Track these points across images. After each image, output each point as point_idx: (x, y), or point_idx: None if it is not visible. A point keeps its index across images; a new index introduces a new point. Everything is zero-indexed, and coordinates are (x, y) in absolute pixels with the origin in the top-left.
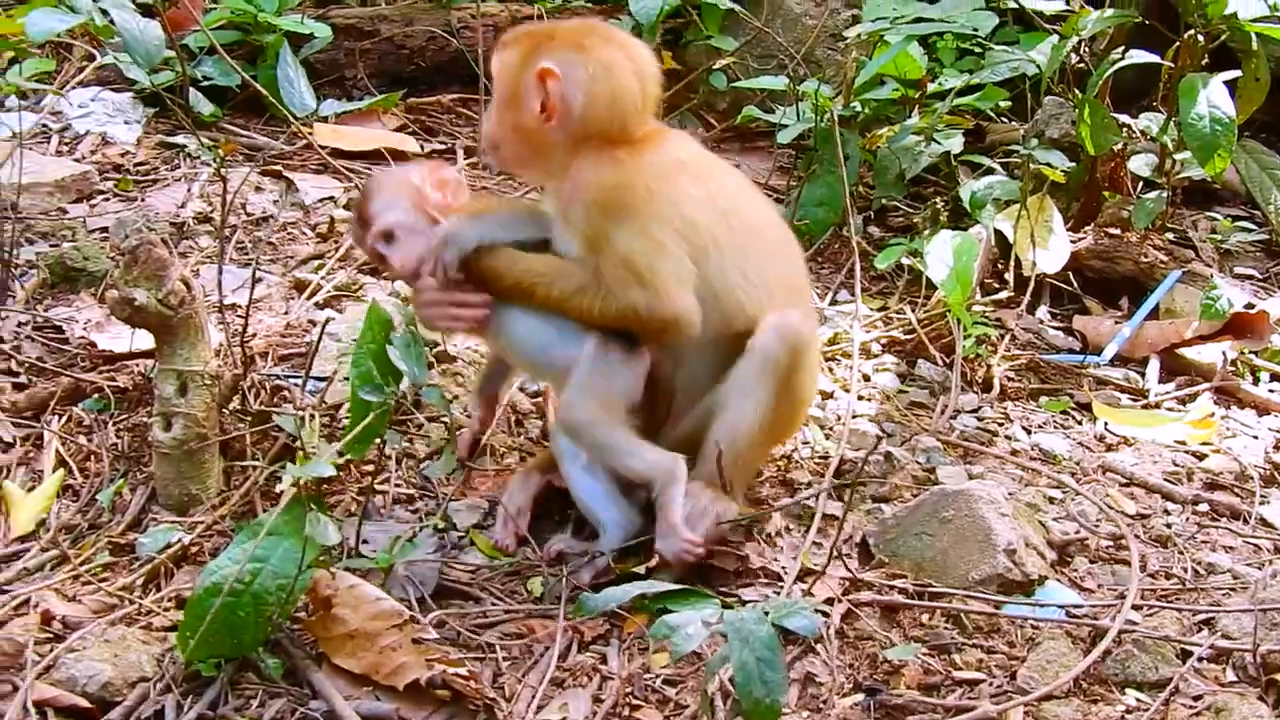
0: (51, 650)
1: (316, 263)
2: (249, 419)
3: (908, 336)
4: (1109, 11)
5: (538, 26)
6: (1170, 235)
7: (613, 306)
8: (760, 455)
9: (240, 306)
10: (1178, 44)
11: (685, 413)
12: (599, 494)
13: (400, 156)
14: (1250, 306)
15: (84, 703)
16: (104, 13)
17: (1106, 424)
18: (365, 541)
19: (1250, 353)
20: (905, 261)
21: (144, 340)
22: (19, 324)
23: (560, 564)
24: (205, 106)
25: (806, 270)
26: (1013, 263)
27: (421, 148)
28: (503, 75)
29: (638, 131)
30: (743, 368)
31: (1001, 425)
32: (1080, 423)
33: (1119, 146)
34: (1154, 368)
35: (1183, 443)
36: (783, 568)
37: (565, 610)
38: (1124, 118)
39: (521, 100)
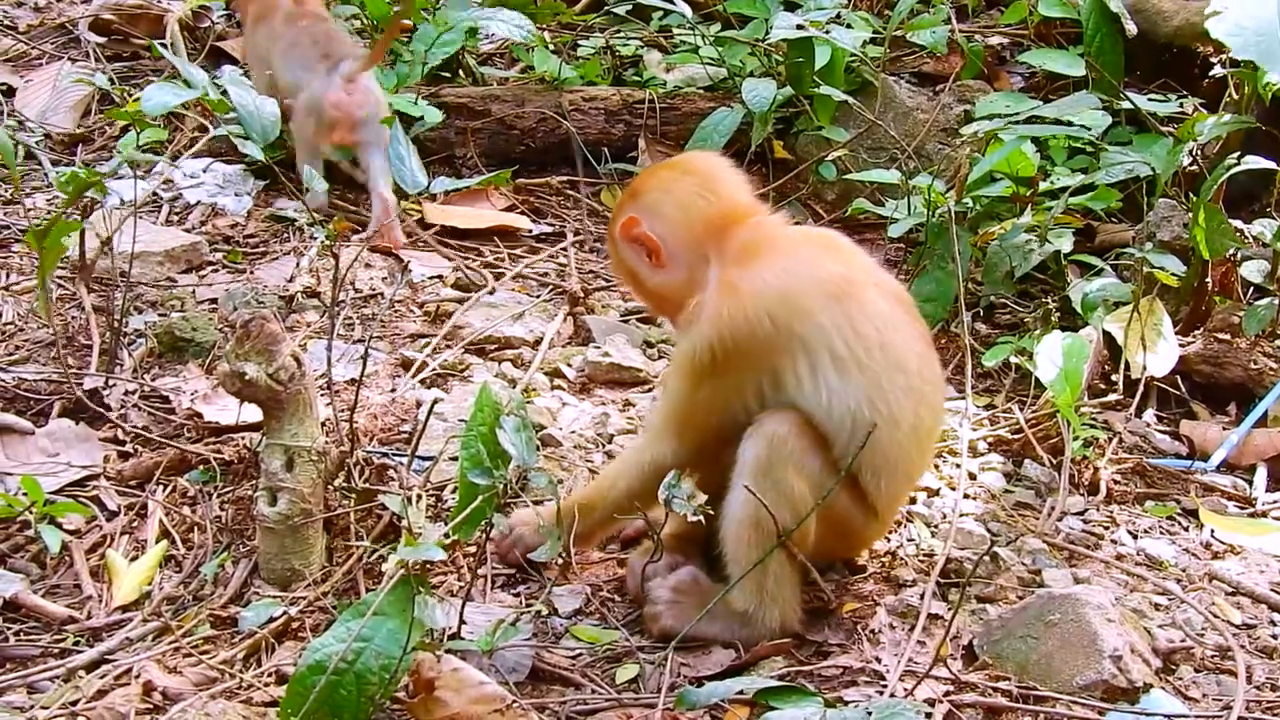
0: None
1: (423, 341)
2: (354, 496)
3: (1014, 436)
4: (1226, 117)
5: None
6: None
7: None
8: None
9: (347, 383)
10: None
11: None
12: None
13: (511, 236)
14: None
15: None
16: (220, 89)
17: (1213, 531)
18: (464, 623)
19: None
20: (1013, 360)
21: (250, 413)
22: (126, 393)
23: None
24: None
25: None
26: (1122, 365)
27: (530, 231)
28: (615, 259)
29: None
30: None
31: (1107, 529)
32: (1186, 529)
33: (1231, 252)
34: (1262, 476)
35: None
36: (885, 667)
37: (666, 701)
38: (1237, 223)
39: (636, 264)
